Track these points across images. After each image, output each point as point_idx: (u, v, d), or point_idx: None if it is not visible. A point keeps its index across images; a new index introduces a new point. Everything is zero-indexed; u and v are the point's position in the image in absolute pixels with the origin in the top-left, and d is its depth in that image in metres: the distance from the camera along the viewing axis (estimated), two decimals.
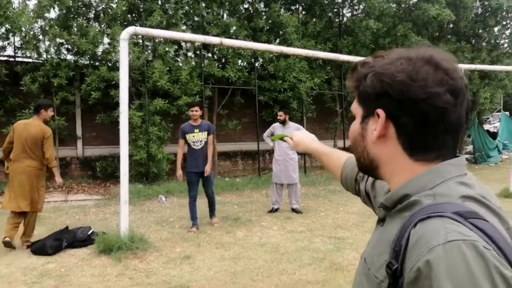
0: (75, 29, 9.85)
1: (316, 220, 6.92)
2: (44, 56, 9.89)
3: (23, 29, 9.32)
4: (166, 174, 10.32)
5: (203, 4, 10.83)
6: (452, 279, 0.63)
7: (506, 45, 15.10)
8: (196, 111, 6.36)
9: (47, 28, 9.67)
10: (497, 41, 14.87)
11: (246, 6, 12.11)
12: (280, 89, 11.34)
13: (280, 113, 7.56)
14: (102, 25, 10.32)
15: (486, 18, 13.93)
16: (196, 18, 11.03)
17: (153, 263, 4.89)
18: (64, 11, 10.01)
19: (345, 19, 13.72)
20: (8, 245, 5.28)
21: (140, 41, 10.14)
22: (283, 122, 7.47)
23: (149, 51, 10.51)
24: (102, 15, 10.22)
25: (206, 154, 6.37)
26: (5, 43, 10.15)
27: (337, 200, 8.53)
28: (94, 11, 10.72)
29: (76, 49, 9.82)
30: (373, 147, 0.88)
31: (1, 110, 9.60)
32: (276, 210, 7.54)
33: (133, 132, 9.51)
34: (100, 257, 5.09)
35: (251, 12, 11.99)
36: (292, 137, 1.64)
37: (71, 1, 9.43)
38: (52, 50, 9.95)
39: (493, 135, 16.33)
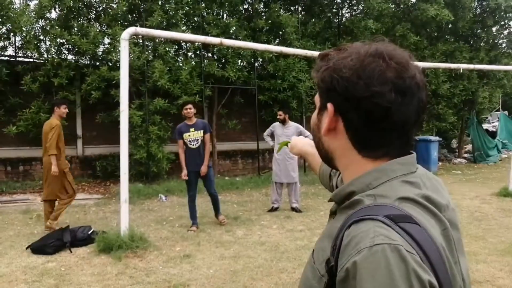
0: (76, 29, 9.88)
1: (316, 219, 6.96)
2: (45, 56, 9.94)
3: (24, 29, 9.36)
4: (166, 173, 10.35)
5: (203, 5, 10.87)
6: (373, 280, 0.65)
7: (504, 45, 15.16)
8: (189, 108, 6.31)
9: (48, 28, 9.71)
10: (496, 41, 14.92)
11: (245, 6, 12.14)
12: (279, 89, 11.37)
13: (280, 112, 7.60)
14: (103, 25, 10.34)
15: (485, 18, 13.98)
16: (196, 19, 11.06)
17: (153, 262, 4.93)
18: (64, 11, 10.04)
19: (344, 19, 13.75)
20: (48, 229, 6.06)
21: (140, 41, 10.17)
22: (283, 122, 7.50)
23: (149, 51, 10.55)
24: (102, 15, 10.24)
25: (203, 153, 6.35)
26: (6, 43, 10.18)
27: None
28: (94, 11, 10.75)
29: (76, 49, 9.85)
30: (326, 140, 0.90)
31: (1, 109, 9.65)
32: (276, 209, 7.58)
33: (133, 131, 9.55)
34: (100, 256, 5.12)
35: (251, 12, 12.02)
36: (290, 141, 1.70)
37: (71, 1, 9.45)
38: (52, 50, 9.98)
39: (492, 135, 16.38)
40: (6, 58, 10.23)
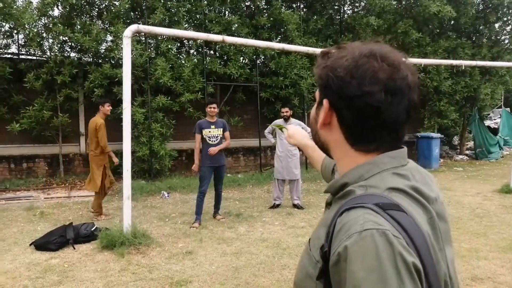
0: (79, 26, 9.89)
1: (318, 216, 6.98)
2: (48, 53, 9.96)
3: (27, 26, 9.37)
4: (168, 170, 10.39)
5: (205, 2, 10.88)
6: (362, 262, 0.71)
7: (507, 41, 15.07)
8: (214, 108, 6.63)
9: (50, 26, 9.72)
10: (498, 37, 14.85)
11: (247, 3, 12.13)
12: (281, 86, 11.38)
13: (286, 109, 7.55)
14: (105, 23, 10.37)
15: (487, 14, 13.92)
16: (198, 16, 11.07)
17: (155, 259, 4.97)
18: (67, 9, 10.07)
19: (346, 16, 13.72)
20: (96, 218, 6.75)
21: (143, 38, 10.19)
22: (286, 119, 7.50)
23: (152, 49, 10.57)
24: (105, 12, 10.26)
25: (221, 150, 6.65)
26: (9, 40, 10.22)
27: None
28: (97, 9, 10.77)
29: (79, 47, 9.88)
30: (322, 133, 0.97)
31: (5, 107, 9.69)
32: (278, 205, 7.61)
33: (136, 128, 9.59)
34: (103, 252, 5.17)
35: (253, 9, 12.02)
36: (288, 129, 1.75)
37: None
38: (55, 47, 10.01)
39: (494, 131, 16.33)
40: (9, 56, 10.25)
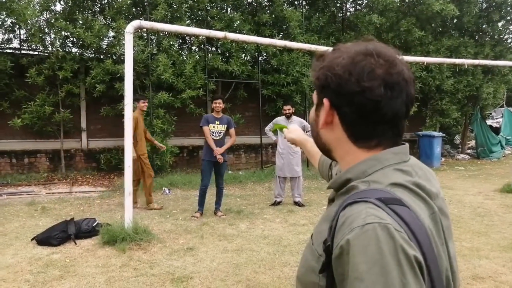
0: (80, 22, 9.89)
1: (318, 213, 6.98)
2: (50, 49, 9.97)
3: (29, 22, 9.37)
4: (169, 166, 10.39)
5: None
6: (364, 255, 0.72)
7: (510, 40, 15.05)
8: (219, 103, 6.71)
9: (52, 21, 9.72)
10: (501, 36, 14.81)
11: (249, 0, 12.12)
12: (283, 83, 11.36)
13: (288, 106, 7.56)
14: (107, 19, 10.36)
15: (490, 13, 13.88)
16: (200, 12, 11.06)
17: (156, 255, 4.98)
18: (69, 4, 10.08)
19: (348, 13, 13.70)
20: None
21: (145, 34, 10.17)
22: (288, 116, 7.50)
23: (154, 45, 10.55)
24: (107, 8, 10.25)
25: (222, 145, 6.73)
26: (11, 35, 10.23)
27: None
28: (99, 5, 10.77)
29: (81, 42, 9.87)
30: (324, 133, 0.97)
31: (7, 102, 9.69)
32: (279, 203, 7.61)
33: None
34: (105, 248, 5.17)
35: (255, 6, 12.00)
36: (289, 128, 1.79)
37: None
38: (57, 43, 10.01)
39: (496, 131, 16.30)
40: (11, 51, 10.25)
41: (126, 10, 10.05)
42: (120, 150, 9.86)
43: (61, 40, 10.08)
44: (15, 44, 10.39)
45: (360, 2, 13.90)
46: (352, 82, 0.86)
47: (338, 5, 13.36)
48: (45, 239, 5.30)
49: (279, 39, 11.00)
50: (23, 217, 6.71)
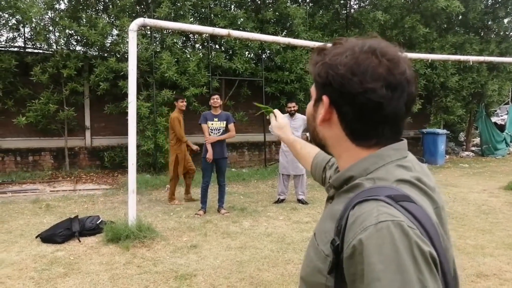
0: (84, 20, 9.91)
1: (322, 211, 6.94)
2: (54, 47, 10.00)
3: (34, 20, 9.39)
4: None
5: None
6: (380, 254, 0.72)
7: None
8: (216, 99, 6.69)
9: (57, 19, 9.74)
10: (507, 33, 14.71)
11: None
12: (287, 81, 11.34)
13: (293, 104, 7.55)
14: (111, 17, 10.37)
15: (496, 9, 13.79)
16: (203, 10, 11.04)
17: (160, 252, 4.99)
18: (73, 3, 10.09)
19: (352, 11, 13.64)
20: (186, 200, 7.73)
21: (148, 32, 10.18)
22: (293, 114, 7.48)
23: (157, 43, 10.56)
24: (111, 6, 10.25)
25: (222, 143, 6.72)
26: (16, 34, 10.26)
27: None
28: (103, 3, 10.78)
29: (85, 40, 9.90)
30: (321, 129, 0.97)
31: (11, 100, 9.73)
32: (282, 200, 7.61)
33: (141, 122, 9.59)
34: (108, 245, 5.19)
35: (259, 3, 11.97)
36: (277, 117, 1.71)
37: None
38: (61, 41, 10.04)
39: (501, 128, 16.21)
40: (16, 49, 10.29)
41: (130, 8, 10.05)
42: (124, 148, 9.87)
43: (65, 39, 10.11)
44: (20, 42, 10.44)
45: None
46: (354, 82, 0.84)
47: (342, 2, 13.30)
48: (50, 236, 5.33)
49: (282, 36, 10.98)
50: (27, 214, 6.74)
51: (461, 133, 17.08)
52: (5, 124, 10.02)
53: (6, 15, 9.76)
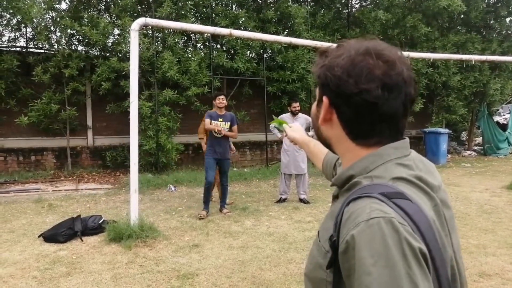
0: (86, 20, 9.91)
1: (324, 210, 6.97)
2: (56, 47, 10.01)
3: (35, 20, 9.40)
4: (175, 164, 10.42)
5: None
6: (370, 249, 0.74)
7: None
8: (222, 99, 6.70)
9: (58, 19, 9.75)
10: (509, 32, 14.65)
11: None
12: (288, 80, 11.34)
13: (296, 104, 7.55)
14: (113, 16, 10.39)
15: (498, 8, 13.75)
16: (205, 9, 11.04)
17: (162, 251, 4.99)
18: (75, 2, 10.10)
19: (353, 10, 13.63)
20: None
21: (150, 32, 10.19)
22: (294, 113, 7.48)
23: (159, 42, 10.57)
24: (112, 6, 10.26)
25: (225, 143, 6.72)
26: (17, 34, 10.28)
27: None
28: (104, 2, 10.80)
29: (86, 40, 9.91)
30: (324, 129, 1.00)
31: (13, 100, 9.75)
32: (284, 200, 7.61)
33: (143, 122, 9.60)
34: (111, 245, 5.20)
35: (260, 3, 11.97)
36: (290, 125, 1.79)
37: None
38: (63, 41, 10.05)
39: (503, 127, 16.17)
40: (18, 49, 10.31)
41: (131, 7, 10.06)
42: (126, 148, 9.89)
43: (66, 38, 10.12)
44: (22, 42, 10.47)
45: None
46: (350, 84, 0.87)
47: (343, 1, 13.29)
48: (52, 236, 5.34)
49: (284, 36, 10.98)
50: (30, 214, 6.76)
51: (463, 132, 17.05)
52: (8, 124, 10.05)
53: (8, 15, 9.78)
